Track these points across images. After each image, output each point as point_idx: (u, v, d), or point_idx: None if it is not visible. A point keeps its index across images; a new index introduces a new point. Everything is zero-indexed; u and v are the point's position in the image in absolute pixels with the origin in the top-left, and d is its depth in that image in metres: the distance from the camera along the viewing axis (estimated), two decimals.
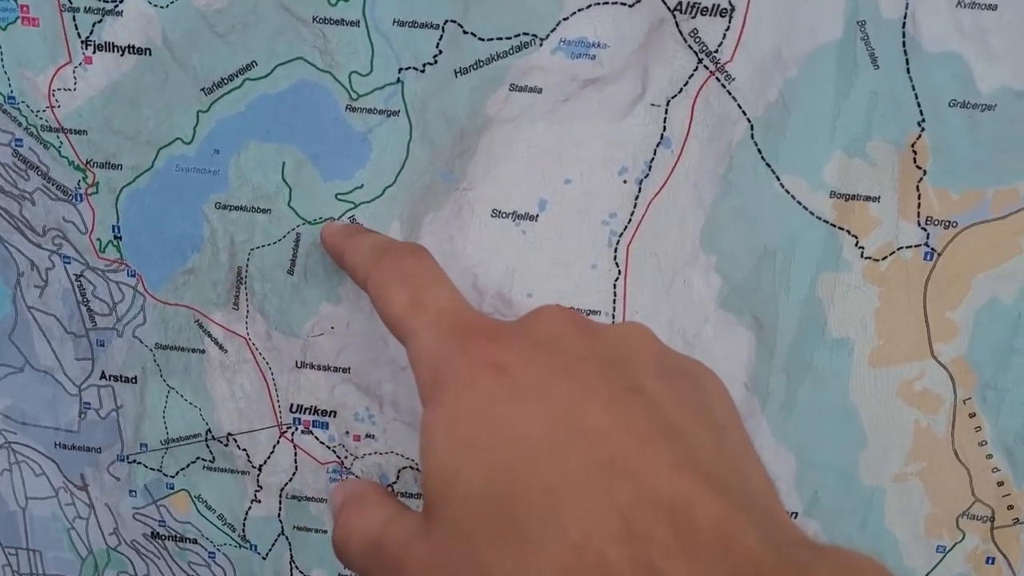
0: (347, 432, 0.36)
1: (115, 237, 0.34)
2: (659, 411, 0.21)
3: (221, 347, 0.35)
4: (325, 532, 0.37)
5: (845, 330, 0.33)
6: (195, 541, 0.38)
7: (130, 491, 0.37)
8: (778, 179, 0.32)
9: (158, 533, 0.38)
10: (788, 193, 0.32)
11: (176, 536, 0.38)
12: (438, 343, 0.23)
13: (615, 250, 0.33)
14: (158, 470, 0.37)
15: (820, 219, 0.32)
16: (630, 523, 0.18)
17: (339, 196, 0.33)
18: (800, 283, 0.33)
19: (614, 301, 0.34)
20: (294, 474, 0.37)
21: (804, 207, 0.32)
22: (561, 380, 0.21)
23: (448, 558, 0.20)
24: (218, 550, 0.38)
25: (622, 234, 0.33)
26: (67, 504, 0.38)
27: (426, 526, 0.21)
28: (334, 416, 0.36)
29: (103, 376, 0.36)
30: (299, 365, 0.35)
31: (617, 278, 0.33)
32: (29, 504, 0.38)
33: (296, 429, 0.36)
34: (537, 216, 0.33)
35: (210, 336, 0.35)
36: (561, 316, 0.24)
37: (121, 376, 0.36)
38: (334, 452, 0.36)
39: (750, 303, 0.33)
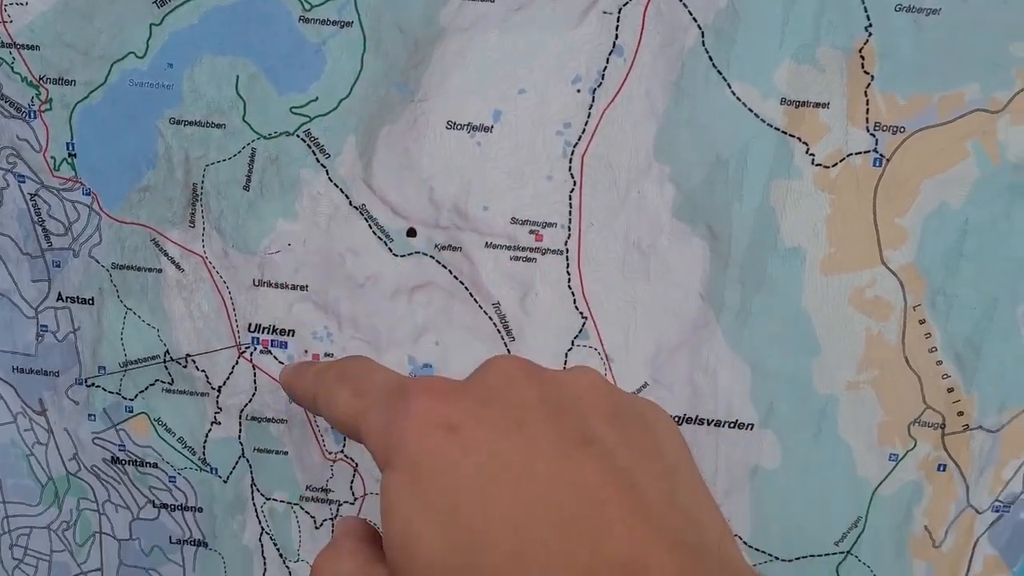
0: (306, 351, 0.36)
1: (69, 155, 0.34)
2: (612, 461, 0.21)
3: (178, 266, 0.35)
4: (286, 454, 0.37)
5: (797, 239, 0.33)
6: (155, 465, 0.38)
7: (89, 415, 0.37)
8: (729, 86, 0.32)
9: (118, 458, 0.38)
10: (739, 100, 0.32)
11: (136, 460, 0.38)
12: (385, 412, 0.23)
13: (570, 161, 0.33)
14: (117, 393, 0.37)
15: (771, 126, 0.32)
16: None
17: (294, 110, 0.33)
18: (752, 192, 0.33)
19: (570, 213, 0.34)
20: (253, 395, 0.37)
21: (755, 114, 0.32)
22: (512, 436, 0.21)
23: None
24: (179, 474, 0.38)
25: (576, 144, 0.33)
26: (26, 430, 0.38)
27: None
28: (292, 335, 0.36)
29: (60, 298, 0.36)
30: (256, 283, 0.35)
31: (572, 189, 0.34)
32: None
33: (255, 349, 0.36)
34: (492, 127, 0.33)
35: (167, 255, 0.35)
36: (509, 366, 0.23)
37: (78, 297, 0.36)
38: None
39: (704, 213, 0.33)
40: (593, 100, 0.33)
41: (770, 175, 0.33)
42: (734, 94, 0.32)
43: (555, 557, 0.19)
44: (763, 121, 0.32)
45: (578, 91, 0.33)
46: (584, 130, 0.33)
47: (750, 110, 0.32)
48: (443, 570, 0.19)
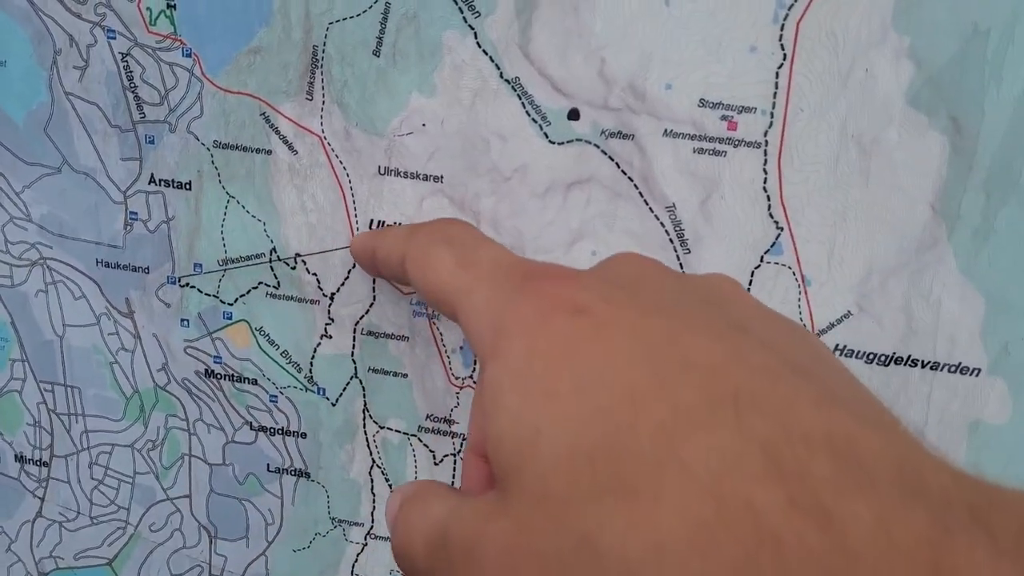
0: None
1: (168, 6, 0.29)
2: (776, 348, 0.17)
3: (291, 147, 0.30)
4: (405, 376, 0.32)
5: None
6: (255, 382, 0.33)
7: (181, 320, 0.32)
8: None
9: (213, 371, 0.33)
10: None
11: (233, 375, 0.33)
12: (497, 293, 0.20)
13: (782, 28, 0.27)
14: (214, 296, 0.32)
15: None
16: (779, 461, 0.14)
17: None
18: (1017, 74, 0.26)
19: (775, 95, 0.27)
20: (371, 305, 0.31)
21: None
22: (653, 317, 0.17)
23: (536, 531, 0.16)
24: (281, 393, 0.33)
25: (792, 6, 0.26)
26: (110, 334, 0.33)
27: (503, 504, 0.17)
28: None
29: (152, 180, 0.31)
30: (382, 171, 0.30)
31: (781, 65, 0.27)
32: (67, 332, 0.33)
33: None
34: None
35: (278, 133, 0.30)
36: (641, 259, 0.21)
37: (173, 181, 0.31)
38: None
39: (948, 99, 0.26)
40: None
41: None
42: None
43: (722, 428, 0.15)
44: None
45: None
46: None
47: None
48: (570, 460, 0.16)
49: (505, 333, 0.18)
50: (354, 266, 0.31)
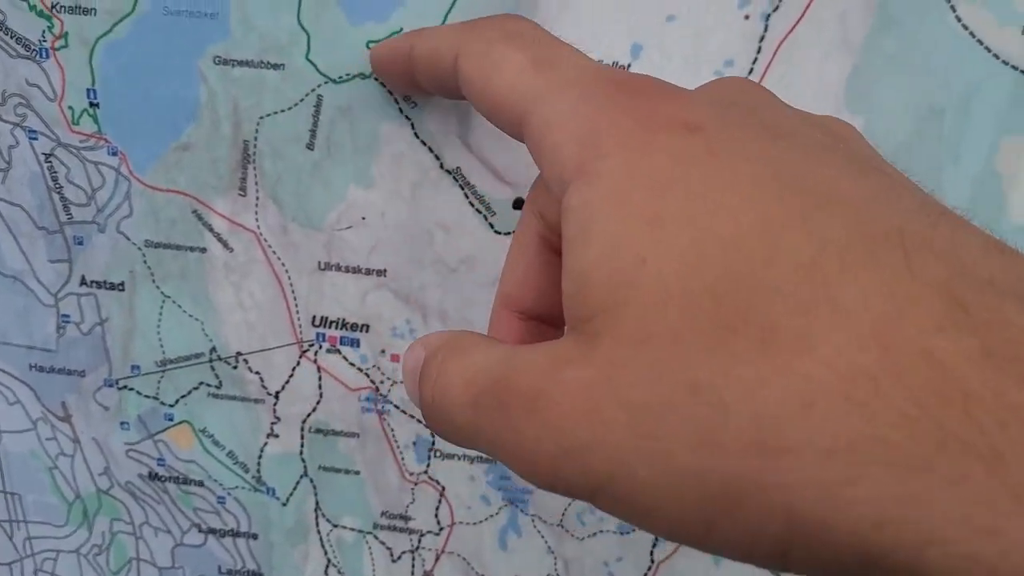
0: (383, 351, 0.29)
1: (91, 104, 0.27)
2: (923, 194, 0.15)
3: (225, 244, 0.28)
4: (357, 473, 0.30)
5: None
6: (201, 484, 0.31)
7: (121, 423, 0.31)
8: (953, 9, 0.24)
9: (157, 474, 0.31)
10: (966, 29, 0.24)
11: (178, 477, 0.31)
12: (584, 102, 0.16)
13: None
14: (154, 398, 0.30)
15: (1008, 65, 0.24)
16: (964, 306, 0.12)
17: (371, 45, 0.26)
18: (974, 152, 0.25)
19: None
20: (318, 403, 0.30)
21: (987, 48, 0.24)
22: (779, 142, 0.15)
23: (629, 379, 0.14)
24: (229, 494, 0.31)
25: None
26: (48, 439, 0.31)
27: (585, 349, 0.14)
28: (367, 331, 0.29)
29: (83, 282, 0.29)
30: (322, 267, 0.28)
31: None
32: (3, 438, 0.31)
33: (320, 347, 0.29)
34: (629, 65, 0.25)
35: (211, 230, 0.28)
36: (752, 83, 0.18)
37: (105, 282, 0.29)
38: (367, 375, 0.29)
39: None
40: (766, 29, 0.25)
41: (1000, 130, 0.25)
42: (959, 20, 0.24)
43: (885, 267, 0.13)
44: (997, 57, 0.24)
45: (746, 17, 0.25)
46: (752, 69, 0.25)
47: (980, 42, 0.24)
48: (682, 298, 0.13)
49: (598, 148, 0.15)
50: (298, 363, 0.29)
